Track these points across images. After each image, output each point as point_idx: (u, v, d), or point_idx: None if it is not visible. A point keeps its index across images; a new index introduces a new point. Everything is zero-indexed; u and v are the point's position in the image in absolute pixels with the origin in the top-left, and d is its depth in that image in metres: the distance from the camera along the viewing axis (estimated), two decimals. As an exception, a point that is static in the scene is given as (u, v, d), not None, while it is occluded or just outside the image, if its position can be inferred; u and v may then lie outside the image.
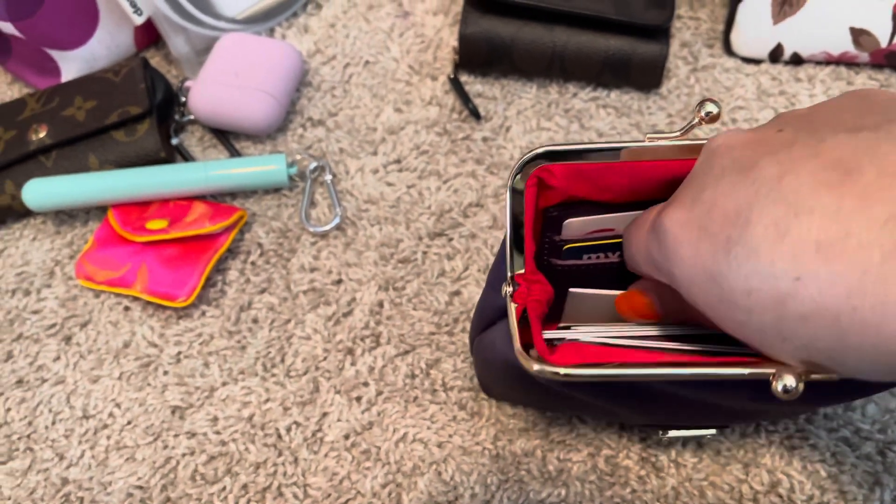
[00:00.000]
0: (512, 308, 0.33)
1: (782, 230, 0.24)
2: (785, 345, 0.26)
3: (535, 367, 0.30)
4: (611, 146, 0.34)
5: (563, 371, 0.30)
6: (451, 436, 0.49)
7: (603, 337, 0.36)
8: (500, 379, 0.43)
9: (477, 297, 0.54)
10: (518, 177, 0.35)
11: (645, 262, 0.32)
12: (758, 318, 0.25)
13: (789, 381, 0.27)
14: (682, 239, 0.28)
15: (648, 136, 0.34)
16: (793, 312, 0.24)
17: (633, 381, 0.33)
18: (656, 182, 0.35)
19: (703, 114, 0.33)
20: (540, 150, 0.35)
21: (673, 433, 0.45)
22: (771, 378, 0.28)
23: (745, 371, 0.29)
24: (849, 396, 0.36)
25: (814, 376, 0.27)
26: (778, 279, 0.24)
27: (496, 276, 0.39)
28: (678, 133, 0.34)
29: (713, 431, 0.45)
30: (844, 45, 0.60)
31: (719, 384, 0.33)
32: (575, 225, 0.37)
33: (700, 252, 0.27)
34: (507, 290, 0.34)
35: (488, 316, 0.40)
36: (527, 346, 0.32)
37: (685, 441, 0.48)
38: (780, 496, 0.46)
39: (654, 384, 0.34)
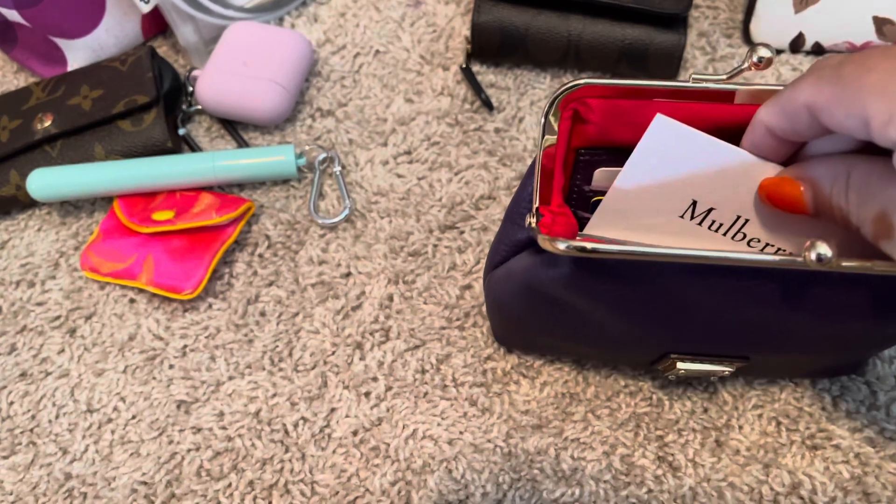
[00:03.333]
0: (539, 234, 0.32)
1: None
2: None
3: (562, 245, 0.30)
4: (655, 83, 0.34)
5: (590, 246, 0.30)
6: (461, 432, 0.48)
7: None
8: (515, 314, 0.41)
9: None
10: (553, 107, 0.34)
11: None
12: None
13: (823, 248, 0.26)
14: None
15: (694, 76, 0.33)
16: None
17: (658, 271, 0.33)
18: (698, 127, 0.34)
19: (754, 59, 0.32)
20: (581, 81, 0.34)
21: (687, 366, 0.42)
22: (804, 251, 0.27)
23: (776, 258, 0.29)
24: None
25: (846, 262, 0.26)
26: None
27: (516, 208, 0.38)
28: (725, 77, 0.33)
29: (729, 369, 0.42)
30: (867, 34, 0.58)
31: (750, 285, 0.33)
32: (607, 175, 0.36)
33: None
34: (531, 220, 0.33)
35: (503, 251, 0.39)
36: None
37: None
38: (802, 498, 0.45)
39: (680, 286, 0.33)
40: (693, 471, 0.46)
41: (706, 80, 0.33)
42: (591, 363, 0.50)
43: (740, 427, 0.47)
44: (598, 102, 0.34)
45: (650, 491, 0.46)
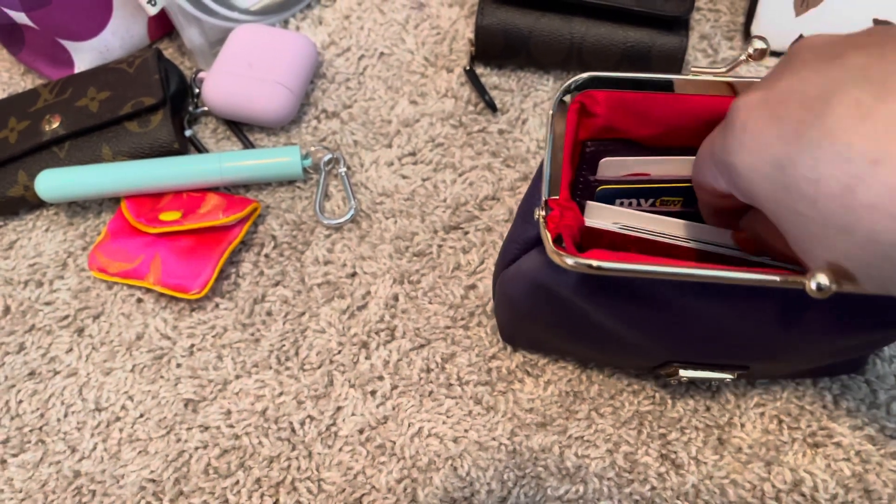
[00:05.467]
0: (546, 233, 0.33)
1: (865, 111, 0.23)
2: (842, 241, 0.25)
3: (570, 261, 0.31)
4: (656, 77, 0.35)
5: (595, 263, 0.30)
6: (466, 430, 0.48)
7: (633, 221, 0.35)
8: (524, 311, 0.42)
9: (493, 291, 0.53)
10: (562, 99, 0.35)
11: (711, 166, 0.30)
12: (822, 207, 0.24)
13: (822, 279, 0.27)
14: (749, 125, 0.27)
15: (693, 69, 0.35)
16: (862, 200, 0.23)
17: (661, 286, 0.34)
18: (697, 118, 0.35)
19: (751, 50, 0.33)
20: (586, 76, 0.35)
21: (688, 373, 0.43)
22: (805, 280, 0.28)
23: (777, 278, 0.29)
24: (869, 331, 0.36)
25: (846, 286, 0.27)
26: (852, 162, 0.23)
27: (528, 207, 0.39)
28: (724, 69, 0.34)
29: (730, 376, 0.43)
30: (868, 37, 0.58)
31: (748, 304, 0.34)
32: (612, 164, 0.37)
33: (767, 138, 0.26)
34: (541, 213, 0.33)
35: (513, 251, 0.40)
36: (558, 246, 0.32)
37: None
38: (804, 495, 0.45)
39: (680, 302, 0.34)
40: (696, 468, 0.46)
41: (705, 73, 0.34)
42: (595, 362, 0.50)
43: (742, 425, 0.48)
44: (604, 94, 0.35)
45: (653, 488, 0.46)
